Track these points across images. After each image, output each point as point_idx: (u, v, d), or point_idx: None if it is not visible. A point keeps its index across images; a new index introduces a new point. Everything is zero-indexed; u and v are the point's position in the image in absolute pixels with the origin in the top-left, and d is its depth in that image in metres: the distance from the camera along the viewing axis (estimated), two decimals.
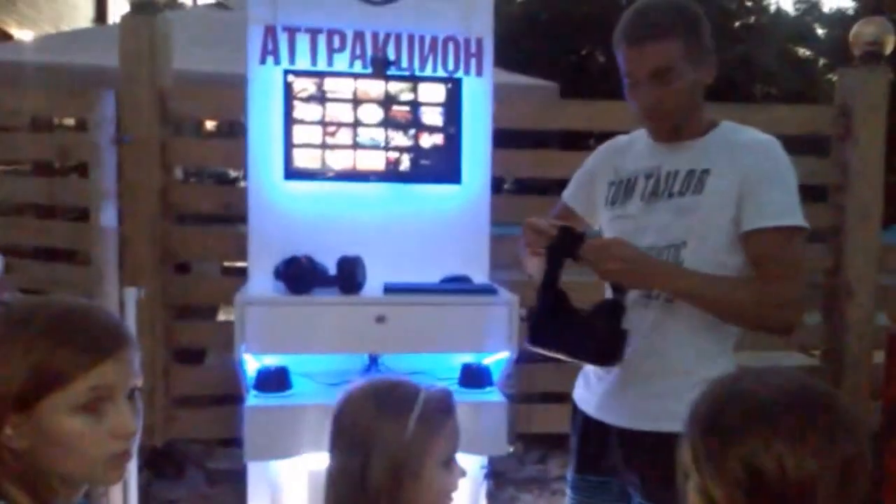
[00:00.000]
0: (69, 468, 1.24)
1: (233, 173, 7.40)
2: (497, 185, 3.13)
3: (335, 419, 1.59)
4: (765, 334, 2.17)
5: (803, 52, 18.94)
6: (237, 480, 2.92)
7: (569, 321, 2.10)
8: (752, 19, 17.00)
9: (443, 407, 1.60)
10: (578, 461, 2.28)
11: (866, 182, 3.63)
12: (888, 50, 3.58)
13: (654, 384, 2.07)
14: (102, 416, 1.23)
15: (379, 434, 1.52)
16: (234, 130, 3.13)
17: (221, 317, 4.26)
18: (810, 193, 3.98)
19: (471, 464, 2.76)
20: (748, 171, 1.98)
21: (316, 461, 2.65)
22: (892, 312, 4.22)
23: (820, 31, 19.25)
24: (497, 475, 3.24)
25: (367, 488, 1.50)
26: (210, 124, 7.99)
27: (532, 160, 3.62)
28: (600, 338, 2.05)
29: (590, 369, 2.25)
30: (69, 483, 1.26)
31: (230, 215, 3.56)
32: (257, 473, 2.74)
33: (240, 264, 3.86)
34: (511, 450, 2.77)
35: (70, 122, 6.11)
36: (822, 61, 18.52)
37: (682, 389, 1.98)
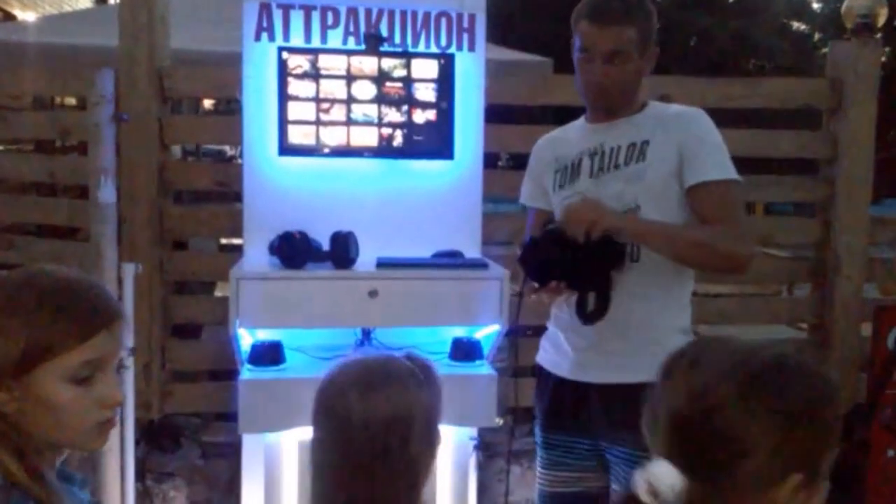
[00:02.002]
0: (56, 434, 1.27)
1: (229, 152, 7.43)
2: (492, 161, 3.14)
3: (326, 408, 1.60)
4: (720, 274, 2.33)
5: (798, 26, 18.89)
6: (232, 453, 2.96)
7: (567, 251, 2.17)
8: None
9: (434, 374, 1.65)
10: (547, 421, 2.40)
11: (857, 155, 3.63)
12: (880, 22, 3.59)
13: (630, 339, 2.23)
14: (92, 385, 1.26)
15: (418, 405, 1.56)
16: (232, 109, 3.14)
17: (218, 293, 4.29)
18: (801, 166, 4.01)
19: (461, 436, 2.81)
20: (683, 137, 2.21)
21: (309, 434, 2.68)
22: (880, 285, 4.25)
23: (815, 5, 19.18)
24: (486, 447, 3.27)
25: (408, 461, 1.54)
26: (208, 103, 8.02)
27: (525, 135, 3.62)
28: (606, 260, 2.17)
29: (557, 333, 2.37)
30: (53, 447, 1.30)
31: (227, 191, 3.59)
32: (251, 446, 2.78)
33: (236, 241, 3.90)
34: (500, 422, 2.80)
35: (72, 101, 6.15)
36: (816, 35, 18.48)
37: (657, 340, 2.17)
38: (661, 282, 2.24)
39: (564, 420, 2.33)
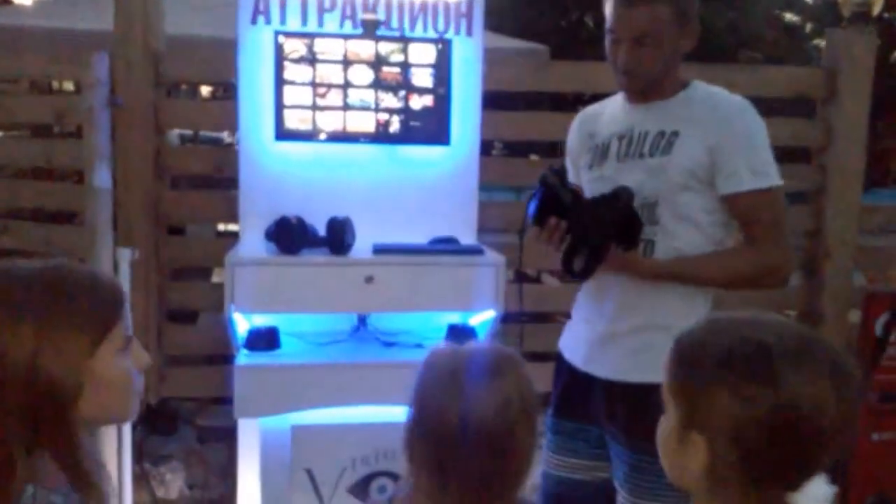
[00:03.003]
0: (107, 409, 1.36)
1: (227, 139, 7.42)
2: (485, 149, 3.14)
3: (425, 398, 1.55)
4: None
5: (790, 16, 18.88)
6: (227, 437, 2.97)
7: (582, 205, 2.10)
8: None
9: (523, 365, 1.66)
10: (559, 406, 2.37)
11: (850, 144, 3.63)
12: (876, 11, 3.59)
13: (639, 338, 2.15)
14: (130, 353, 1.36)
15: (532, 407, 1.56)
16: (230, 96, 3.14)
17: (216, 279, 4.29)
18: (794, 154, 4.01)
19: None
20: (716, 139, 2.04)
21: (304, 418, 2.70)
22: (869, 273, 4.26)
23: None
24: None
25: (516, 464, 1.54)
26: (206, 91, 8.00)
27: (521, 122, 3.63)
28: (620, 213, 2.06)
29: (577, 322, 2.32)
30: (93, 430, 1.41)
31: (224, 177, 3.58)
32: (247, 430, 2.78)
33: (233, 227, 3.89)
34: None
35: (70, 86, 6.12)
36: (808, 26, 18.49)
37: (663, 343, 2.07)
38: (674, 283, 2.13)
39: (575, 408, 2.30)
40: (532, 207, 2.09)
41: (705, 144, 2.05)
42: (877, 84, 3.65)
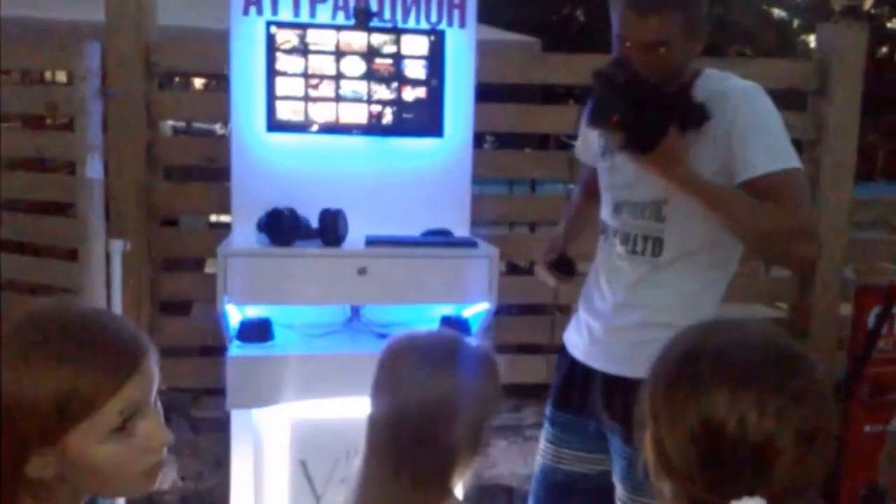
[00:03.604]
0: (103, 490, 1.20)
1: (220, 131, 7.41)
2: (477, 142, 3.13)
3: (394, 374, 1.59)
4: (785, 266, 2.19)
5: (778, 12, 18.99)
6: (221, 428, 2.97)
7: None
8: None
9: (498, 370, 1.67)
10: (559, 399, 2.37)
11: (841, 137, 3.63)
12: (867, 5, 3.59)
13: (640, 334, 2.13)
14: (133, 433, 1.16)
15: (469, 397, 1.55)
16: (223, 89, 3.13)
17: (209, 270, 4.29)
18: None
19: None
20: (733, 123, 1.97)
21: (297, 409, 2.70)
22: (858, 266, 4.28)
23: None
24: None
25: (449, 447, 1.54)
26: (199, 83, 7.98)
27: (515, 115, 3.62)
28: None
29: (582, 315, 2.31)
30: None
31: (217, 168, 3.58)
32: (240, 421, 2.78)
33: (226, 219, 3.89)
34: None
35: (63, 77, 6.10)
36: (796, 22, 18.60)
37: (667, 339, 2.07)
38: (681, 281, 2.11)
39: (574, 400, 2.30)
40: (588, 109, 1.99)
41: (717, 133, 1.99)
42: (864, 79, 3.65)
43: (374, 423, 1.61)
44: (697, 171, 1.97)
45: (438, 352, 1.60)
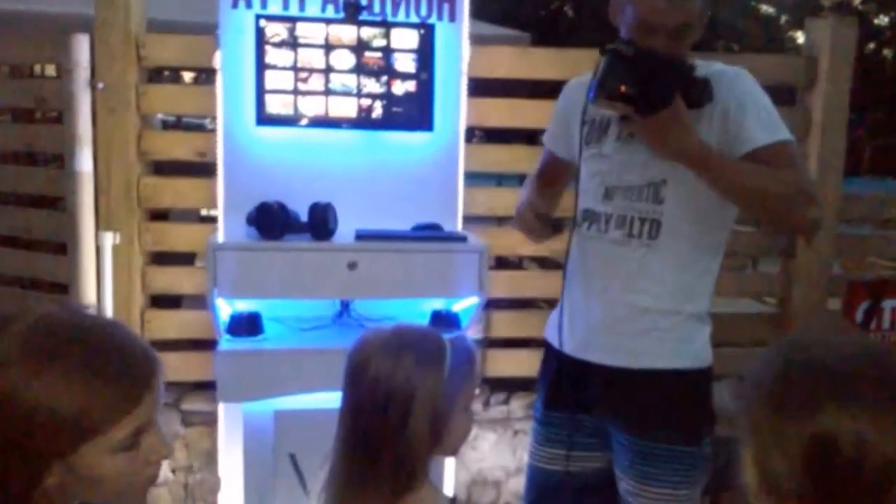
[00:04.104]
0: (99, 498, 1.22)
1: (210, 125, 7.39)
2: (466, 136, 3.13)
3: (356, 366, 1.61)
4: (789, 232, 2.17)
5: (766, 8, 19.08)
6: (210, 422, 2.97)
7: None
8: None
9: (470, 357, 1.65)
10: (549, 397, 2.34)
11: (831, 132, 3.64)
12: (857, 1, 3.60)
13: (640, 322, 2.13)
14: (138, 446, 1.20)
15: (422, 385, 1.55)
16: (213, 81, 3.12)
17: (199, 263, 4.29)
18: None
19: None
20: (726, 103, 2.03)
21: (287, 403, 2.70)
22: (846, 261, 4.30)
23: None
24: None
25: (406, 436, 1.53)
26: (188, 77, 7.96)
27: (506, 109, 3.62)
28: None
29: (566, 308, 2.27)
30: None
31: (208, 162, 3.57)
32: (230, 415, 2.79)
33: (216, 213, 3.88)
34: (477, 392, 2.82)
35: (52, 71, 6.07)
36: (783, 18, 18.69)
37: (667, 327, 2.10)
38: (678, 265, 2.12)
39: (567, 397, 2.26)
40: (593, 84, 1.99)
41: (713, 115, 2.04)
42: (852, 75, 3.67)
43: (342, 418, 1.62)
44: (700, 140, 2.00)
45: (395, 344, 1.61)
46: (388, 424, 1.53)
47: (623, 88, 1.94)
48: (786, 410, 1.09)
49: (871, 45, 17.95)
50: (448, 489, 2.80)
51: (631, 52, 1.95)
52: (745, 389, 1.16)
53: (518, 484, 3.38)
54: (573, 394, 2.25)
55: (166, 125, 6.89)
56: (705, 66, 2.12)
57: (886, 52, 18.82)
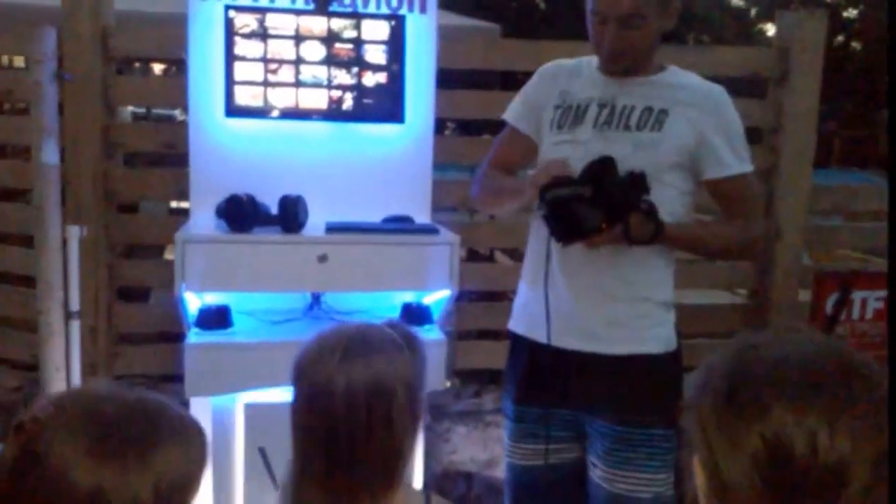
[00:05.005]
0: None
1: (179, 116, 7.34)
2: (438, 128, 3.12)
3: (321, 384, 1.55)
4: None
5: (737, 0, 19.25)
6: None
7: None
8: None
9: (416, 335, 1.64)
10: (522, 394, 2.31)
11: (801, 124, 3.67)
12: None
13: (617, 309, 2.15)
14: None
15: (397, 377, 1.52)
16: (182, 73, 3.10)
17: (169, 256, 4.26)
18: (745, 135, 4.05)
19: None
20: (706, 124, 2.11)
21: (256, 397, 2.68)
22: (816, 252, 4.33)
23: None
24: (434, 408, 3.31)
25: (392, 432, 1.51)
26: (158, 69, 7.90)
27: (477, 101, 3.62)
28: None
29: (534, 296, 2.25)
30: None
31: (177, 154, 3.55)
32: (199, 409, 2.76)
33: (186, 205, 3.86)
34: (448, 384, 2.82)
35: (21, 63, 6.01)
36: (754, 11, 18.84)
37: (639, 314, 2.13)
38: (648, 255, 2.13)
39: (540, 391, 2.24)
40: (555, 231, 2.06)
41: (694, 129, 2.10)
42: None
43: (301, 414, 1.59)
44: (672, 223, 2.09)
45: (355, 340, 1.58)
46: (374, 428, 1.51)
47: (604, 225, 2.00)
48: (736, 410, 1.06)
49: (840, 38, 18.11)
50: (418, 482, 2.79)
51: (589, 193, 2.00)
52: (695, 388, 1.13)
53: (489, 476, 3.39)
54: (548, 386, 2.24)
55: (136, 117, 6.85)
56: (684, 74, 2.19)
57: (855, 44, 19.01)
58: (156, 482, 1.15)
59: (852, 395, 1.02)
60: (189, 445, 1.22)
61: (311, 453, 1.56)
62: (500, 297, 3.70)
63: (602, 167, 2.02)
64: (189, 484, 1.21)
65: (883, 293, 3.60)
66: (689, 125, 2.10)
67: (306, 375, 1.58)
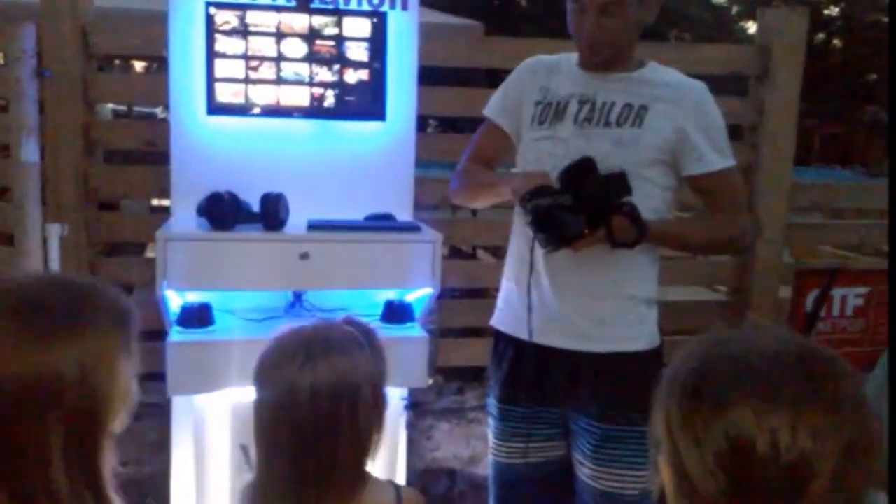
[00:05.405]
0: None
1: (161, 114, 7.31)
2: (420, 125, 3.12)
3: (288, 388, 1.55)
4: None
5: None
6: (161, 414, 2.93)
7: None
8: None
9: (373, 329, 1.65)
10: (507, 392, 2.32)
11: (782, 121, 3.68)
12: None
13: (604, 307, 2.17)
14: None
15: (361, 373, 1.54)
16: (163, 70, 3.08)
17: (150, 254, 4.24)
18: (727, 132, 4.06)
19: (393, 396, 2.81)
20: (686, 120, 2.11)
21: (238, 395, 2.67)
22: (796, 250, 4.35)
23: None
24: (416, 406, 3.31)
25: (359, 427, 1.53)
26: (139, 66, 7.86)
27: (459, 98, 3.62)
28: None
29: (518, 293, 2.26)
30: None
31: (158, 152, 3.53)
32: (181, 407, 2.76)
33: (168, 203, 3.84)
34: (430, 382, 2.82)
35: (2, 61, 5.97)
36: (735, 8, 18.96)
37: (624, 311, 2.14)
38: (630, 252, 2.10)
39: (523, 389, 2.24)
40: (539, 239, 2.07)
41: (674, 125, 2.11)
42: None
43: (265, 413, 1.59)
44: (655, 222, 2.11)
45: (316, 339, 1.58)
46: (340, 427, 1.51)
47: (587, 230, 2.01)
48: (700, 407, 1.06)
49: (822, 36, 18.21)
50: (401, 479, 2.79)
51: (569, 202, 2.01)
52: (662, 385, 1.15)
53: (472, 473, 3.39)
54: (532, 384, 2.24)
55: (118, 115, 6.81)
56: (665, 71, 2.20)
57: (836, 42, 19.12)
58: (80, 359, 1.19)
59: (815, 391, 1.03)
60: (119, 323, 1.29)
61: (276, 453, 1.56)
62: (483, 295, 3.70)
63: (581, 171, 2.03)
64: (116, 363, 1.26)
65: (863, 290, 3.62)
66: (670, 121, 2.11)
67: (269, 379, 1.58)
